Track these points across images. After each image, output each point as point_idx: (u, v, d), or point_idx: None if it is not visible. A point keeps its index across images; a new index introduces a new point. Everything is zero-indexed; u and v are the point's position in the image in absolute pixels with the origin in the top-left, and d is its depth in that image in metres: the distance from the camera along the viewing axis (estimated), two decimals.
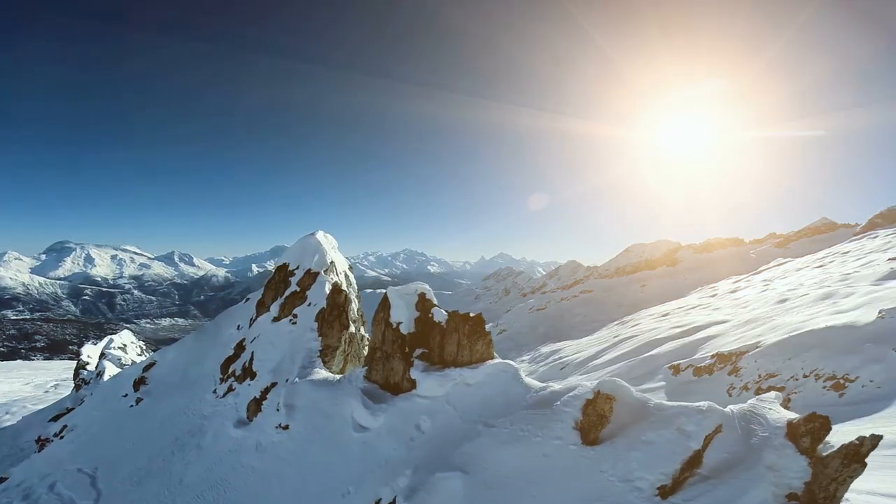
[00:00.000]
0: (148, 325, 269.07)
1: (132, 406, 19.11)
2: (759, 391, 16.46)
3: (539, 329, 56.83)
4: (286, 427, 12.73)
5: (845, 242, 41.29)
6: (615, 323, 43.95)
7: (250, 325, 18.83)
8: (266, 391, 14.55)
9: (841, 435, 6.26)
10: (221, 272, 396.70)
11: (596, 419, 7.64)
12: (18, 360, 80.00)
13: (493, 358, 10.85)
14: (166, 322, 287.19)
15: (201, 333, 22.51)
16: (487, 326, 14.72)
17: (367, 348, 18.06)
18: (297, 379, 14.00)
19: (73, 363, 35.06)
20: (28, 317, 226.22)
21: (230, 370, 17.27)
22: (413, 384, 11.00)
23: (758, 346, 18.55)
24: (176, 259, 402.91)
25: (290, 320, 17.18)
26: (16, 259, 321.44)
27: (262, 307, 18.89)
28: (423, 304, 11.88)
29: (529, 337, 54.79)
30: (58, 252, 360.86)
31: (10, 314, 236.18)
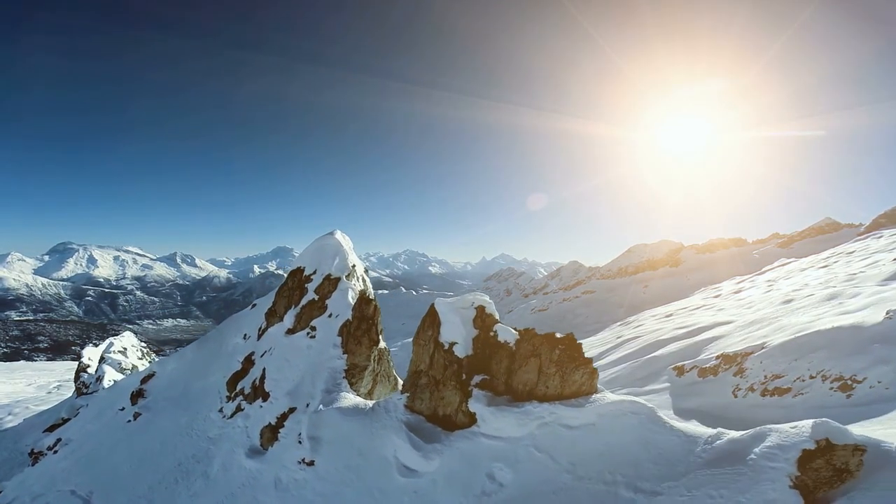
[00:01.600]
0: (150, 326, 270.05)
1: (129, 421, 17.90)
2: (764, 392, 16.34)
3: (541, 330, 56.51)
4: (311, 463, 11.01)
5: (850, 242, 41.03)
6: (618, 324, 43.78)
7: (259, 337, 17.14)
8: (283, 417, 12.83)
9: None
10: (223, 273, 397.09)
11: (832, 475, 5.94)
12: (21, 361, 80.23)
13: (596, 392, 8.63)
14: (169, 323, 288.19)
15: (204, 342, 21.06)
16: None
17: (391, 362, 16.25)
18: (321, 406, 12.28)
19: (76, 364, 35.01)
20: (31, 318, 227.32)
21: (238, 388, 15.55)
22: (471, 418, 9.17)
23: (763, 347, 18.40)
24: (178, 260, 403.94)
25: (308, 333, 15.08)
26: (19, 260, 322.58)
27: (272, 316, 16.92)
28: (483, 320, 10.13)
29: None
30: (60, 253, 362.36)
31: (14, 315, 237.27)
